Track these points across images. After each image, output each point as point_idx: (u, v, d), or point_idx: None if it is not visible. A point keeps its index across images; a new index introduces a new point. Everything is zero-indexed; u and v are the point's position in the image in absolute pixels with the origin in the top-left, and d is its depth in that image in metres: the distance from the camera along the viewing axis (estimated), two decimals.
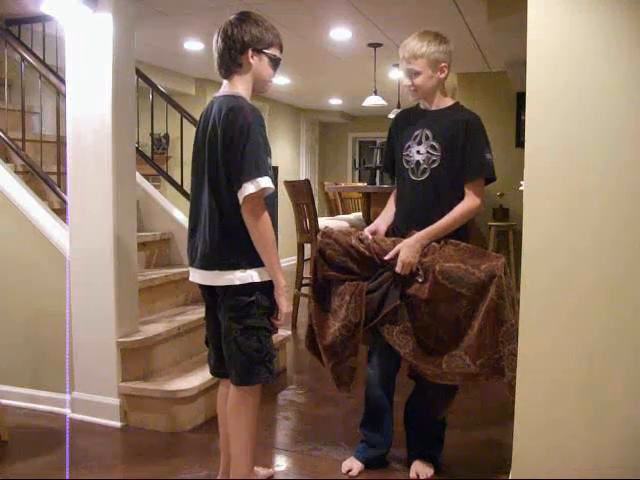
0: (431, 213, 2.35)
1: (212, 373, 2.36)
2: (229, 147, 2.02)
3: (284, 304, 2.13)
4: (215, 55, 2.15)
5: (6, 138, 3.57)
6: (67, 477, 2.51)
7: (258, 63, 2.13)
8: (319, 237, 2.50)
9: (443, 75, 2.36)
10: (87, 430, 2.98)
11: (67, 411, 3.14)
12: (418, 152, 2.39)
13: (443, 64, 2.34)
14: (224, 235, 2.09)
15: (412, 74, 2.34)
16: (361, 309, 2.31)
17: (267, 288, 2.13)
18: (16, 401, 3.23)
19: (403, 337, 2.28)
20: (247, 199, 2.00)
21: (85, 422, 3.06)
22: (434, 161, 2.36)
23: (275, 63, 2.18)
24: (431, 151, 2.36)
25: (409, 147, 2.43)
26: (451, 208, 2.34)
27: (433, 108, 2.42)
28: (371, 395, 2.54)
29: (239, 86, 2.13)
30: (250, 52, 2.10)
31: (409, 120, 2.50)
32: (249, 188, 1.99)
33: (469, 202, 2.34)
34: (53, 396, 3.19)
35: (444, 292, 2.22)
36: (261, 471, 2.48)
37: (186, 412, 2.96)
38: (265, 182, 2.01)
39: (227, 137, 2.02)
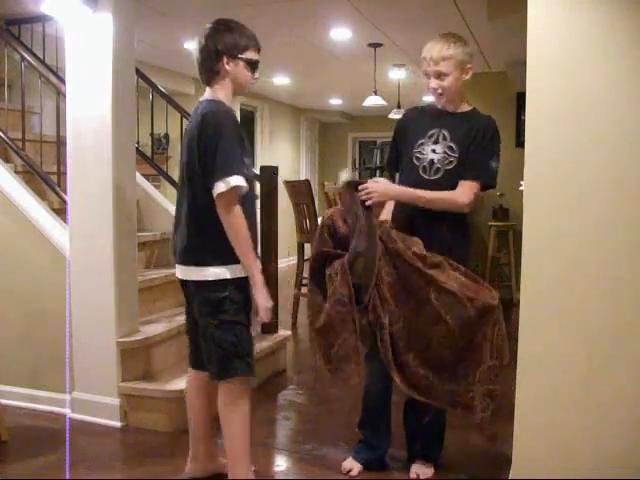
0: (436, 212, 2.34)
1: (189, 364, 2.42)
2: (204, 148, 2.11)
3: (262, 299, 2.17)
4: (196, 64, 2.26)
5: (6, 138, 3.57)
6: (67, 477, 2.51)
7: (234, 69, 2.21)
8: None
9: (467, 77, 2.37)
10: (87, 430, 2.98)
11: (67, 411, 3.14)
12: (433, 151, 2.37)
13: (468, 65, 2.35)
14: (200, 232, 2.18)
15: (440, 76, 2.32)
16: (347, 281, 2.25)
17: (241, 284, 2.18)
18: (16, 401, 3.23)
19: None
20: (219, 197, 2.09)
21: (85, 422, 3.06)
22: (450, 162, 2.34)
23: (252, 66, 2.25)
24: (449, 152, 2.35)
25: (422, 144, 2.40)
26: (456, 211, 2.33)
27: (451, 110, 2.40)
28: (369, 395, 2.54)
29: (219, 91, 2.23)
30: (225, 59, 2.19)
31: (422, 118, 2.48)
32: (220, 187, 2.07)
33: (458, 195, 2.32)
34: (53, 396, 3.19)
35: (429, 310, 2.20)
36: None
37: (186, 412, 2.95)
38: (235, 180, 2.08)
39: (202, 139, 2.12)
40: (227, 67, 2.19)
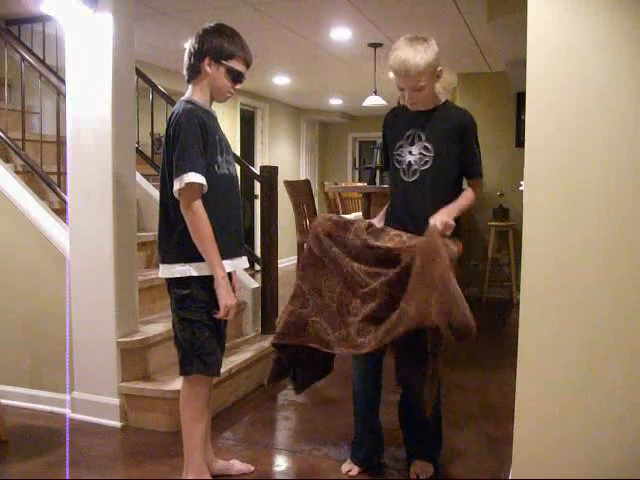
0: (417, 213, 2.35)
1: None
2: (169, 148, 2.17)
3: (223, 295, 2.18)
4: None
5: (6, 138, 3.57)
6: (67, 477, 2.51)
7: (215, 72, 2.23)
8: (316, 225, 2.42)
9: (441, 78, 2.35)
10: (87, 430, 2.98)
11: (67, 411, 3.14)
12: (410, 152, 2.38)
13: (439, 68, 2.31)
14: (167, 230, 2.24)
15: (417, 90, 2.30)
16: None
17: (207, 282, 2.19)
18: (16, 401, 3.24)
19: (365, 326, 2.24)
20: (179, 195, 2.13)
21: (85, 422, 3.06)
22: (426, 162, 2.35)
23: (233, 75, 2.25)
24: (424, 152, 2.36)
25: (401, 147, 2.42)
26: (436, 209, 2.32)
27: (424, 109, 2.40)
28: (356, 394, 2.53)
29: (196, 91, 2.27)
30: (207, 60, 2.21)
31: (400, 119, 2.48)
32: (176, 184, 2.12)
33: (476, 194, 2.43)
34: (53, 396, 3.19)
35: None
36: (238, 465, 2.55)
37: None
38: (189, 177, 2.10)
39: (167, 139, 2.18)
40: (207, 69, 2.21)
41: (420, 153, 2.36)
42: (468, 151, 2.37)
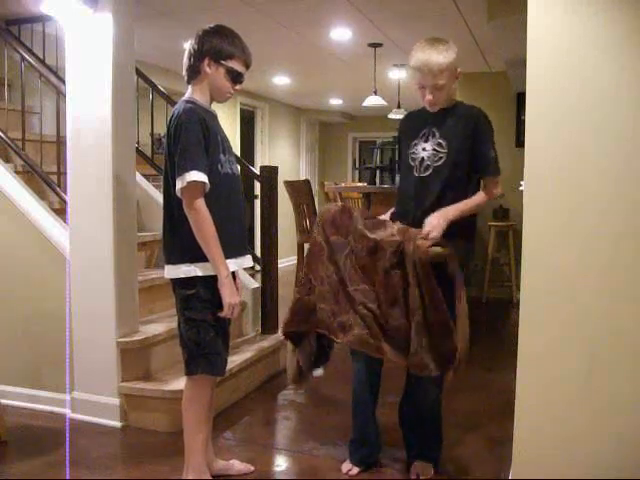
0: (425, 208, 2.35)
1: None
2: (171, 148, 2.17)
3: (227, 294, 2.18)
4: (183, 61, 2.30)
5: (6, 138, 3.57)
6: (67, 477, 2.51)
7: (214, 73, 2.23)
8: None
9: (459, 79, 2.38)
10: (87, 430, 2.98)
11: (67, 411, 3.14)
12: (424, 149, 2.40)
13: (459, 70, 2.36)
14: (172, 230, 2.24)
15: (437, 88, 2.31)
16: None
17: (211, 282, 2.19)
18: (16, 401, 3.24)
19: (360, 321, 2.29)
20: (181, 194, 2.13)
21: (85, 422, 3.06)
22: (440, 158, 2.36)
23: (233, 76, 2.26)
24: (437, 148, 2.37)
25: (415, 145, 2.43)
26: (443, 205, 2.32)
27: (440, 107, 2.41)
28: (354, 393, 2.53)
29: (196, 91, 2.28)
30: (207, 61, 2.21)
31: (416, 120, 2.51)
32: (178, 184, 2.12)
33: (488, 195, 2.41)
34: (53, 396, 3.19)
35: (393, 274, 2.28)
36: (238, 465, 2.55)
37: None
38: (191, 176, 2.09)
39: (169, 139, 2.18)
40: (207, 69, 2.21)
41: (434, 149, 2.38)
42: (481, 148, 2.36)
